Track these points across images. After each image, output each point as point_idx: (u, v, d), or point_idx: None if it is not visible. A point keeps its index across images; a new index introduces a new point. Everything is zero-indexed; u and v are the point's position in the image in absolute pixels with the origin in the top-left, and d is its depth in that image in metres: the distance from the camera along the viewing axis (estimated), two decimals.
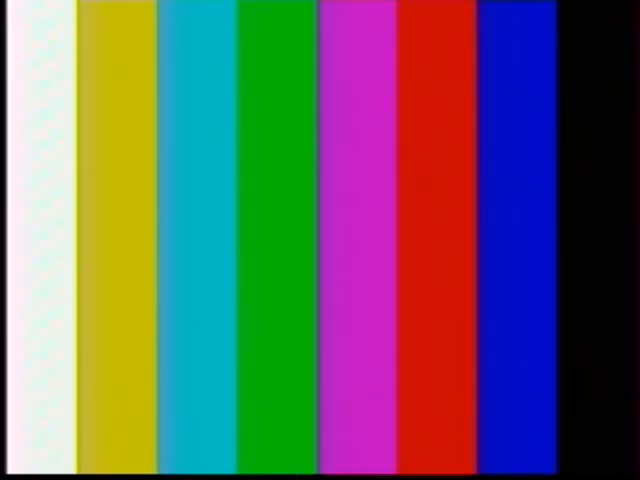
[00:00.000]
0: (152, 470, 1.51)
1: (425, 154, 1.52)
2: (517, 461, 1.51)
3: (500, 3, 1.53)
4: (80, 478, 1.49)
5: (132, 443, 1.51)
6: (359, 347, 1.51)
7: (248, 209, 1.53)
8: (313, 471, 1.51)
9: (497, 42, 1.53)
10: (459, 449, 1.51)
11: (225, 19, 1.53)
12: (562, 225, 1.51)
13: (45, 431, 1.50)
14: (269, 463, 1.51)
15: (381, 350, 1.51)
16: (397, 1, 1.53)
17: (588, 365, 1.50)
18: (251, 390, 1.51)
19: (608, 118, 1.51)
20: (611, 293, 1.50)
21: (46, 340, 1.50)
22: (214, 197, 1.52)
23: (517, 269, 1.51)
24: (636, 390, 1.50)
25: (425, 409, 1.51)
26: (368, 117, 1.53)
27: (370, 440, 1.51)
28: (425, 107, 1.53)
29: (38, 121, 1.52)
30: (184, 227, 1.52)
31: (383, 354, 1.51)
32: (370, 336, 1.51)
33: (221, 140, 1.53)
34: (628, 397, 1.50)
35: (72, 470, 1.51)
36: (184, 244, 1.52)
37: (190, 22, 1.53)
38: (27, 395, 1.50)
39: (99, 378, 1.51)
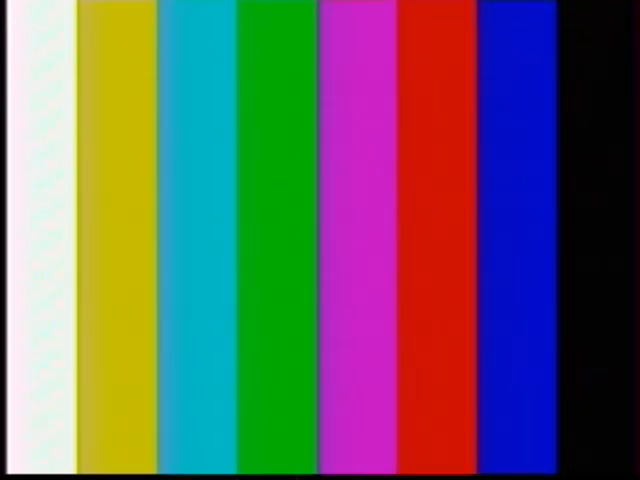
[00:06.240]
0: (152, 470, 1.51)
1: (425, 154, 1.52)
2: (517, 461, 1.51)
3: (500, 3, 1.53)
4: (80, 478, 1.49)
5: (132, 443, 1.51)
6: (359, 347, 1.52)
7: (248, 210, 1.53)
8: (313, 471, 1.51)
9: (497, 42, 1.53)
10: (459, 449, 1.51)
11: (225, 19, 1.53)
12: (562, 224, 1.51)
13: (45, 431, 1.50)
14: (269, 463, 1.51)
15: (381, 350, 1.51)
16: (397, 1, 1.53)
17: (588, 365, 1.50)
18: (251, 390, 1.51)
19: (608, 117, 1.51)
20: (611, 292, 1.50)
21: (47, 340, 1.50)
22: (214, 198, 1.52)
23: (517, 269, 1.51)
24: (636, 390, 1.50)
25: (425, 409, 1.51)
26: (368, 117, 1.53)
27: (370, 440, 1.51)
28: (425, 107, 1.53)
29: (38, 125, 1.52)
30: (185, 226, 1.52)
31: (383, 354, 1.51)
32: (370, 336, 1.51)
33: (221, 140, 1.53)
34: (628, 397, 1.50)
35: (72, 470, 1.51)
36: (184, 244, 1.52)
37: (190, 22, 1.53)
38: (27, 395, 1.50)
39: (99, 378, 1.51)
